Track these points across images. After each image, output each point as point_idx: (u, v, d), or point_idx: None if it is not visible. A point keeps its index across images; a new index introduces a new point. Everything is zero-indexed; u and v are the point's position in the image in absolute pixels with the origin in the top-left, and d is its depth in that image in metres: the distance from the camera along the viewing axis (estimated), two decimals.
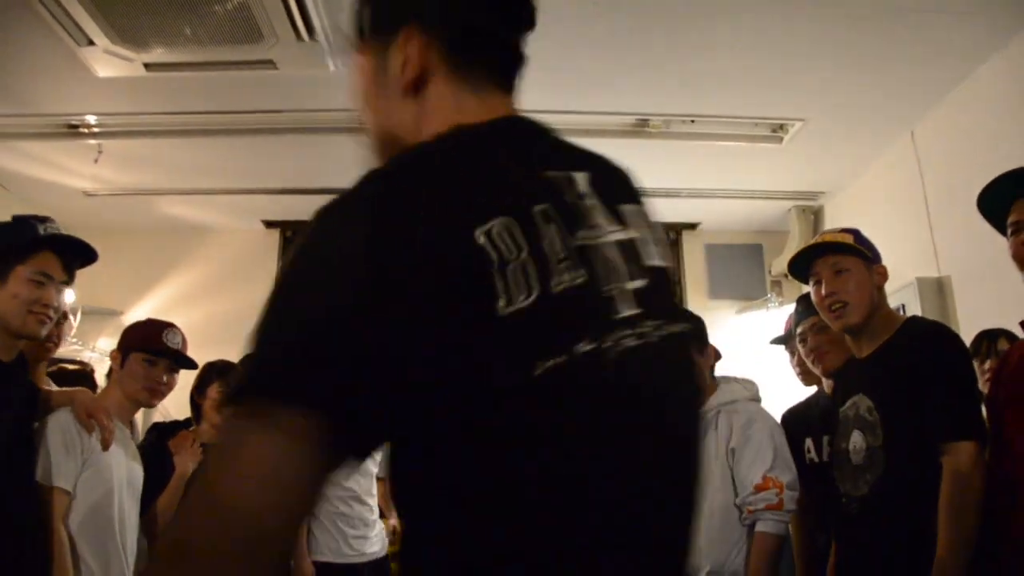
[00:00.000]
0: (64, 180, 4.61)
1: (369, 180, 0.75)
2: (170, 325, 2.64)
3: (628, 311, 0.80)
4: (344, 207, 0.73)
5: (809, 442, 2.65)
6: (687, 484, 0.85)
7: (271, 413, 0.64)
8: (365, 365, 0.66)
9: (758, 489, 2.39)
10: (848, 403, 2.22)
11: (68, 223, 2.15)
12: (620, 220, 0.85)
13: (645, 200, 0.93)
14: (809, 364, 2.72)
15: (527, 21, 0.95)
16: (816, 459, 2.61)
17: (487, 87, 0.91)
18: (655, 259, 0.87)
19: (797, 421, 2.75)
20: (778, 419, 2.70)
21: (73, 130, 3.99)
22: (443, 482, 0.72)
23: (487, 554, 0.71)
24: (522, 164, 0.81)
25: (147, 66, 3.28)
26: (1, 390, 1.96)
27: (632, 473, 0.76)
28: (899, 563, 1.93)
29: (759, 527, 2.37)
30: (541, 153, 0.87)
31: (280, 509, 0.65)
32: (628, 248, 0.84)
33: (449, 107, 0.89)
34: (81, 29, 2.99)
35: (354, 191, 0.74)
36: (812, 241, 2.40)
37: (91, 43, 3.09)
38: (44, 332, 2.07)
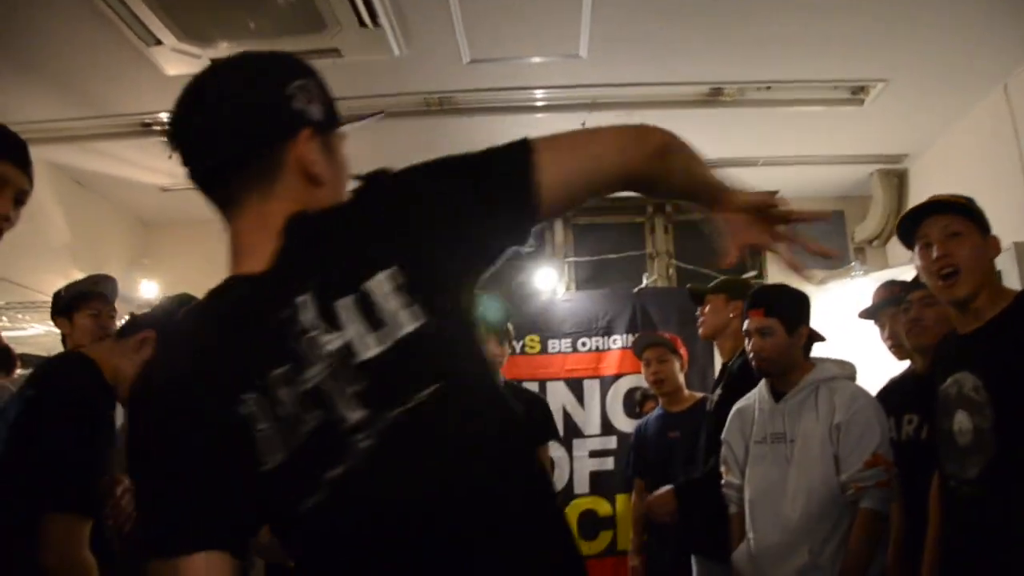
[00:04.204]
0: (141, 177, 4.69)
1: None
2: None
3: (357, 416, 0.91)
4: None
5: (891, 421, 2.53)
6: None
7: None
8: None
9: (868, 466, 2.30)
10: (949, 380, 2.08)
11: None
12: (336, 325, 0.93)
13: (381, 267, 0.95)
14: (903, 335, 2.59)
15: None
16: (895, 437, 2.50)
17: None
18: (371, 350, 0.93)
19: (882, 401, 2.64)
20: None
21: (147, 128, 4.06)
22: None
23: None
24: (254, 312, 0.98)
25: (214, 62, 3.29)
26: None
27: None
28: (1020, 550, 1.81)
29: (865, 503, 2.27)
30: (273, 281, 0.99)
31: None
32: (345, 355, 0.92)
33: None
34: (148, 29, 3.02)
35: None
36: (924, 201, 2.20)
37: (159, 42, 3.12)
38: None
